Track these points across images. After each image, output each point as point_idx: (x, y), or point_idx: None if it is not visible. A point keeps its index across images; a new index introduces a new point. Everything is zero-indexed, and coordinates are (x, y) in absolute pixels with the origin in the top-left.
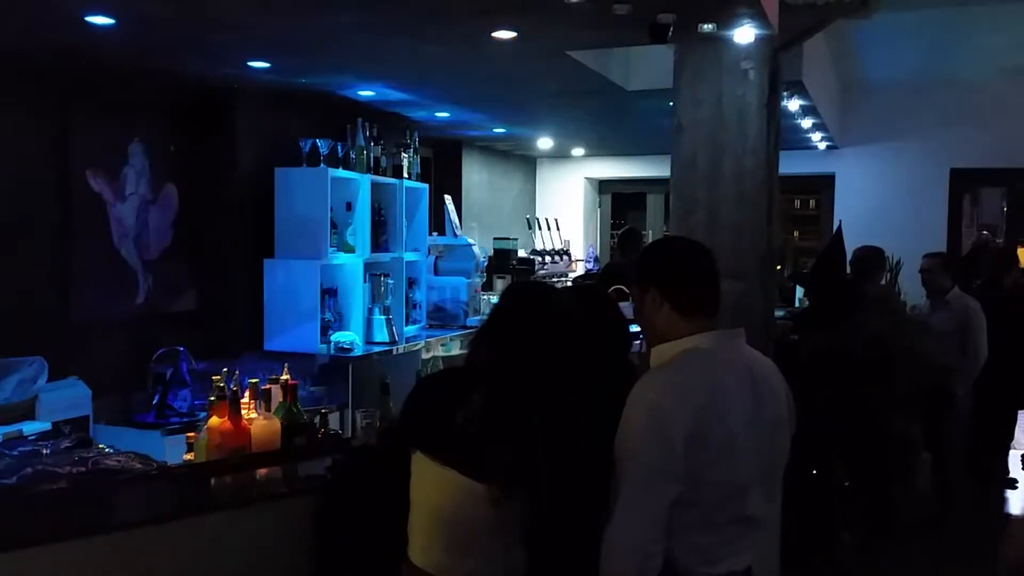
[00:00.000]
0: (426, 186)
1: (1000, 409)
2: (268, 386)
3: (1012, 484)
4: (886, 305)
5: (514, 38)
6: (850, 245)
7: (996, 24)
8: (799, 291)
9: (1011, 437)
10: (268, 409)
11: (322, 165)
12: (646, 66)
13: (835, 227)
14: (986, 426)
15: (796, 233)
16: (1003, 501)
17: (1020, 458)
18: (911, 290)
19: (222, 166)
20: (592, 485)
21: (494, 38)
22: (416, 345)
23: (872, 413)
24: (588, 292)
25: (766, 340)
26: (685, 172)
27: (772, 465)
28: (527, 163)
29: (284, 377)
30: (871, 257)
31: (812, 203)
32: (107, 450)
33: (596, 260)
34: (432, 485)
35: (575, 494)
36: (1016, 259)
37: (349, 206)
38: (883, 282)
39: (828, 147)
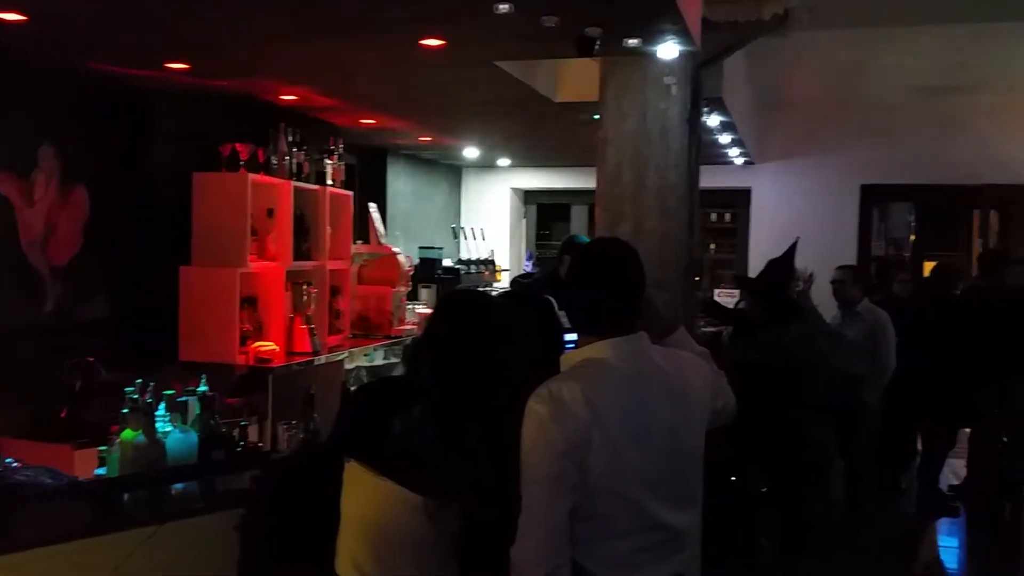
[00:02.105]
0: (351, 193)
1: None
2: (184, 398)
3: (953, 511)
4: (803, 317)
5: (442, 46)
6: (764, 258)
7: (904, 45)
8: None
9: (915, 446)
10: (184, 421)
11: (242, 170)
12: (573, 79)
13: (791, 244)
14: (894, 434)
15: (713, 246)
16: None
17: (947, 487)
18: (822, 302)
19: (138, 170)
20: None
21: (422, 46)
22: (339, 355)
23: (789, 421)
24: (525, 298)
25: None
26: (611, 184)
27: (676, 472)
28: (453, 172)
29: (201, 388)
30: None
31: (728, 217)
32: (14, 464)
33: (534, 263)
34: (367, 496)
35: (512, 506)
36: (897, 267)
37: (270, 212)
38: (796, 293)
39: (745, 163)
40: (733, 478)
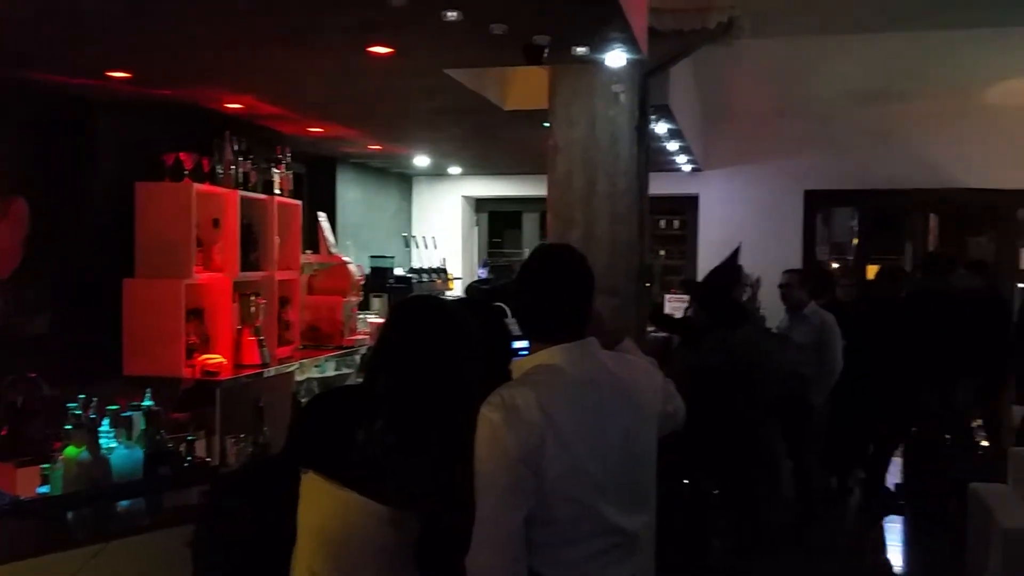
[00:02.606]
0: (299, 203)
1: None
2: (129, 413)
3: (899, 509)
4: (749, 321)
5: (390, 54)
6: (712, 263)
7: (845, 51)
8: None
9: (867, 447)
10: (129, 437)
11: (187, 180)
12: (522, 87)
13: (733, 251)
14: (842, 434)
15: (663, 252)
16: (864, 506)
17: (894, 486)
18: (769, 306)
19: (79, 181)
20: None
21: (369, 53)
22: (289, 367)
23: (738, 423)
24: (477, 304)
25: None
26: (562, 191)
27: (629, 476)
28: (403, 181)
29: (146, 403)
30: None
31: (677, 223)
32: None
33: (488, 270)
34: (327, 507)
35: (471, 513)
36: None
37: (216, 223)
38: (744, 298)
39: (693, 169)
40: (685, 481)
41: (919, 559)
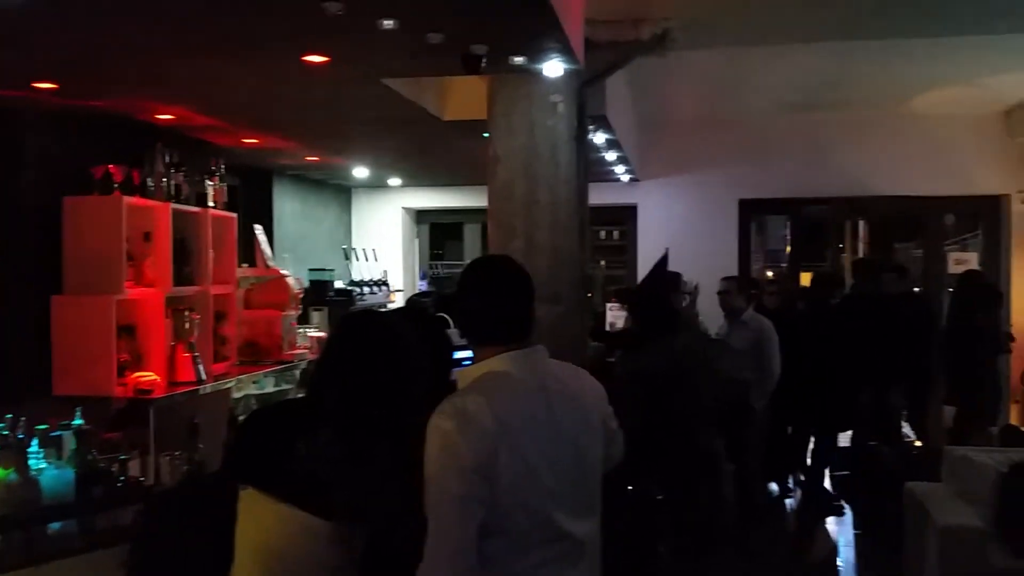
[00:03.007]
0: (234, 215)
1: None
2: (59, 432)
3: (837, 510)
4: (689, 327)
5: (325, 63)
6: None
7: (777, 63)
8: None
9: (804, 448)
10: (60, 457)
11: (117, 193)
12: (461, 97)
13: (661, 256)
14: (781, 437)
15: (603, 263)
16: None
17: (834, 489)
18: (708, 312)
19: (4, 195)
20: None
21: (305, 62)
22: (226, 383)
23: (680, 427)
24: (417, 315)
25: (581, 362)
26: (502, 200)
27: (579, 481)
28: (342, 192)
29: (76, 422)
30: (671, 283)
31: (617, 234)
32: None
33: (429, 282)
34: (267, 523)
35: (420, 525)
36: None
37: (147, 236)
38: (683, 305)
39: (631, 179)
40: (630, 487)
41: (857, 558)
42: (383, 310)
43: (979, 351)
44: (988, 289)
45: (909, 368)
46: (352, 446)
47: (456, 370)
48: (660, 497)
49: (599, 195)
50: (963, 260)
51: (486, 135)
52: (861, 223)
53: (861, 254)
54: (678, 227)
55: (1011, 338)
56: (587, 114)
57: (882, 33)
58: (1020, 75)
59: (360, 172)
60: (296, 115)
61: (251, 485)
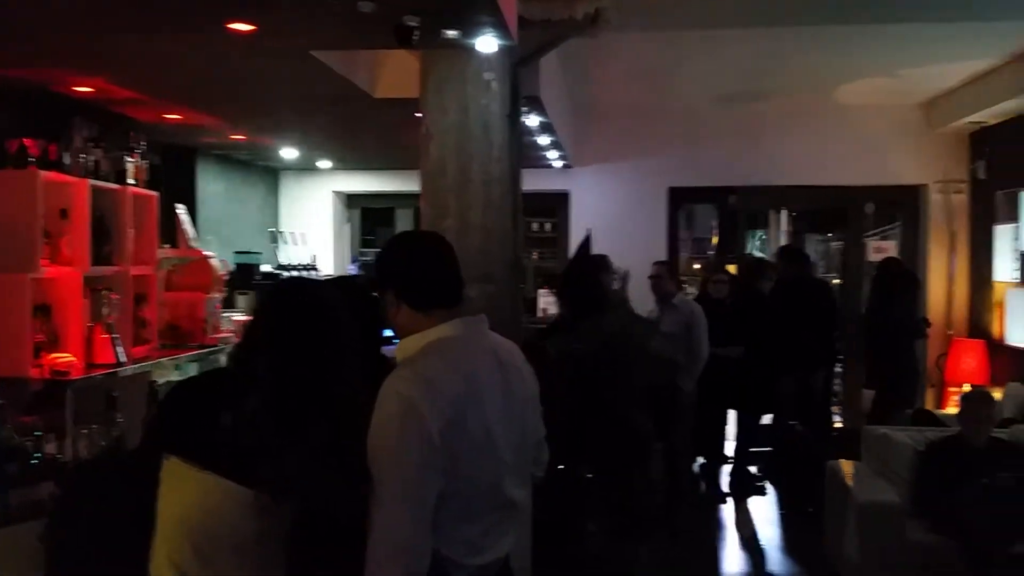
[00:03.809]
0: (156, 194)
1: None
2: None
3: (761, 491)
4: (621, 308)
5: (252, 32)
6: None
7: (707, 51)
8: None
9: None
10: None
11: (32, 168)
12: (393, 74)
13: (584, 236)
14: (709, 419)
15: (536, 255)
16: (730, 488)
17: (758, 469)
18: (639, 297)
19: None
20: (365, 485)
21: (230, 31)
22: (146, 366)
23: (612, 407)
24: (346, 282)
25: (515, 342)
26: (435, 178)
27: (523, 447)
28: (270, 174)
29: None
30: (600, 264)
31: (549, 226)
32: None
33: (359, 267)
34: (190, 493)
35: (352, 497)
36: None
37: (64, 213)
38: (614, 287)
39: (564, 166)
40: (560, 467)
41: (782, 536)
42: (314, 278)
43: (897, 336)
44: (906, 276)
45: (829, 353)
46: (282, 415)
47: (397, 341)
48: (590, 477)
49: (533, 181)
50: (883, 248)
51: (419, 115)
52: (787, 211)
53: (786, 242)
54: (610, 214)
55: (927, 324)
56: (521, 94)
57: (814, 18)
58: (939, 67)
59: (288, 153)
60: (221, 89)
61: (174, 454)
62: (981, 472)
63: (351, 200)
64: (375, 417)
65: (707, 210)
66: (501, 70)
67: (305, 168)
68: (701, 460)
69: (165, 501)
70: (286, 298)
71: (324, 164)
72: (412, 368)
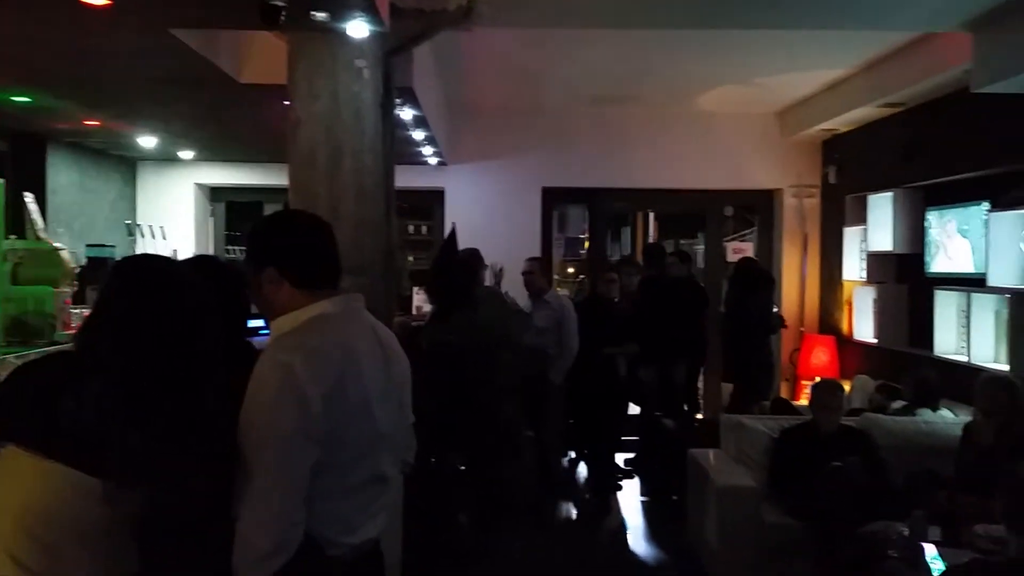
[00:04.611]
0: (1, 181)
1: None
2: None
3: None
4: (493, 301)
5: (107, 7)
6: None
7: (578, 53)
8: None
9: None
10: None
11: None
12: (259, 58)
13: (449, 230)
14: (577, 412)
15: (411, 257)
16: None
17: (624, 461)
18: (513, 295)
19: None
20: (222, 471)
21: (83, 5)
22: None
23: (484, 399)
24: (206, 262)
25: None
26: (304, 167)
27: (400, 426)
28: (127, 165)
29: None
30: (474, 258)
31: (425, 228)
32: None
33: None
34: (29, 482)
35: (207, 483)
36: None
37: None
38: (487, 282)
39: (439, 163)
40: (432, 459)
41: (646, 524)
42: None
43: (753, 333)
44: (761, 275)
45: (691, 348)
46: (129, 398)
47: (265, 333)
48: (462, 468)
49: (408, 178)
50: (740, 249)
51: (287, 103)
52: (652, 214)
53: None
54: (485, 212)
55: (782, 320)
56: (394, 85)
57: (675, 21)
58: (790, 77)
59: (147, 142)
60: (73, 69)
61: (11, 443)
62: (831, 457)
63: (215, 193)
64: (251, 387)
65: (580, 209)
66: (373, 58)
67: (166, 159)
68: (572, 454)
69: (3, 493)
70: (130, 273)
71: (186, 155)
72: (293, 337)
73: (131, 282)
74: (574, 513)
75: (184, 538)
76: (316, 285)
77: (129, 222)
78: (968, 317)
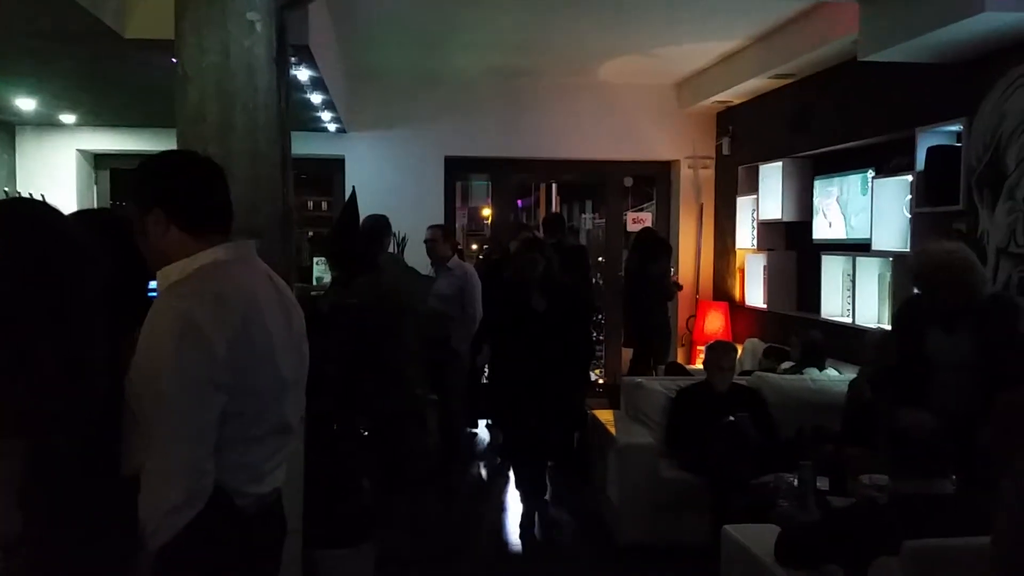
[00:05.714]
0: None
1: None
2: None
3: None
4: (396, 266)
5: None
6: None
7: (482, 21)
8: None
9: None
10: None
11: None
12: (146, 12)
13: (349, 193)
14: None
15: (311, 233)
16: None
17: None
18: (415, 261)
19: None
20: (110, 426)
21: None
22: None
23: (387, 363)
24: (96, 216)
25: None
26: (193, 124)
27: (301, 374)
28: (5, 130)
29: None
30: (379, 224)
31: (324, 205)
32: None
33: None
34: None
35: (91, 438)
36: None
37: None
38: (391, 250)
39: (338, 130)
40: (335, 425)
41: (552, 488)
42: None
43: (651, 299)
44: (659, 243)
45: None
46: (7, 354)
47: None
48: (365, 433)
49: (306, 145)
50: (640, 220)
51: (174, 60)
52: (552, 184)
53: (553, 211)
54: (387, 180)
55: (678, 287)
56: (288, 41)
57: None
58: (688, 48)
59: (26, 104)
60: None
61: None
62: (724, 414)
63: (99, 160)
64: (149, 336)
65: (483, 178)
66: (266, 12)
67: (47, 123)
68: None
69: None
70: (11, 219)
71: (68, 118)
72: (187, 285)
73: (11, 223)
74: (477, 482)
75: (69, 494)
76: (206, 228)
77: (8, 190)
78: (853, 281)
